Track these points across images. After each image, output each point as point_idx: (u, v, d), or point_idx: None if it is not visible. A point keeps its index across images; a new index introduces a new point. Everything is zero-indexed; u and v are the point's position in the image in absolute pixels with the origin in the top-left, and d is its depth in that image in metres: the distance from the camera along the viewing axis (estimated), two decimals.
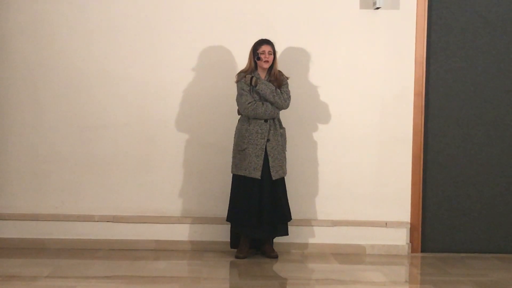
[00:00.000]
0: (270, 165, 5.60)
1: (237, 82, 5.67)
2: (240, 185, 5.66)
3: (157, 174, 6.03)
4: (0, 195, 6.00)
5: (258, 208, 5.60)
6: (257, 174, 5.58)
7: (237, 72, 5.73)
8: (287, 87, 5.67)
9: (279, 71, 5.69)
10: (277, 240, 5.92)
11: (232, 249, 5.86)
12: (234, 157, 5.71)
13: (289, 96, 5.65)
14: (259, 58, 5.59)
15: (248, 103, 5.58)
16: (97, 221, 6.00)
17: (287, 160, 5.87)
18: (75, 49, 6.00)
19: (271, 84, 5.61)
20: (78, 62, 6.00)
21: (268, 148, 5.61)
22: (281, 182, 5.69)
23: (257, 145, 5.59)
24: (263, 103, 5.59)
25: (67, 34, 5.99)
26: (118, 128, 6.02)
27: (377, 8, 5.98)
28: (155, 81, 6.02)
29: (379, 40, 6.05)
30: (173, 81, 6.02)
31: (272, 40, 5.70)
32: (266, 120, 5.62)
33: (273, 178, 5.61)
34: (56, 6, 5.97)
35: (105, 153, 6.02)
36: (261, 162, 5.59)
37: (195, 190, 6.05)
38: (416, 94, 6.06)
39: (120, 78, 6.01)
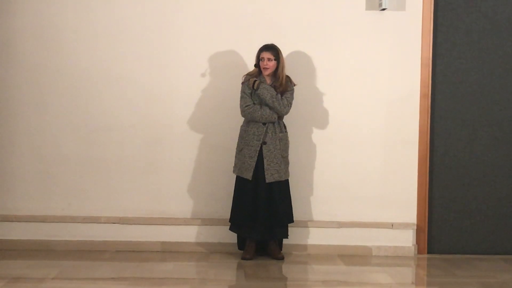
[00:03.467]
0: (264, 168, 5.62)
1: (242, 83, 5.69)
2: (238, 186, 5.73)
3: (163, 176, 6.04)
4: (6, 197, 6.02)
5: (253, 209, 5.63)
6: (249, 175, 5.61)
7: (245, 74, 5.74)
8: (291, 94, 5.68)
9: (287, 77, 5.69)
10: (283, 241, 5.91)
11: (239, 251, 5.86)
12: (235, 157, 5.76)
13: (290, 103, 5.65)
14: (257, 65, 5.63)
15: (246, 106, 5.62)
16: (104, 223, 6.01)
17: (293, 162, 5.87)
18: (81, 51, 6.01)
19: (272, 89, 5.62)
20: (83, 64, 6.01)
21: (264, 151, 5.63)
22: (279, 185, 5.68)
23: (252, 146, 5.62)
24: (261, 107, 5.62)
25: (72, 36, 6.00)
26: (124, 130, 6.03)
27: (383, 9, 5.98)
28: (161, 83, 6.03)
29: (385, 41, 6.05)
30: (179, 83, 6.03)
31: (277, 42, 5.71)
32: (264, 123, 5.64)
33: (267, 181, 5.62)
34: (61, 8, 5.98)
35: (111, 155, 6.03)
36: (253, 163, 5.61)
37: (201, 191, 6.06)
38: (422, 96, 6.06)
39: (126, 81, 6.02)
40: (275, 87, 5.64)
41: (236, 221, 5.71)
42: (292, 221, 5.78)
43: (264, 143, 5.63)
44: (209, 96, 6.04)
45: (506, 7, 6.12)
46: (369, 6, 6.04)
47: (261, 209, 5.63)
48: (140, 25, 6.01)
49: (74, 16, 5.99)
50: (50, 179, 6.02)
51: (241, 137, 5.71)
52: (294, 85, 5.73)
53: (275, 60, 5.62)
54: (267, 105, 5.62)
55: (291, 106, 5.68)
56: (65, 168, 6.02)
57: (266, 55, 5.62)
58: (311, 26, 6.03)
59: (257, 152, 5.62)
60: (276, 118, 5.67)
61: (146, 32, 6.01)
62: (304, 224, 6.02)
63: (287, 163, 5.76)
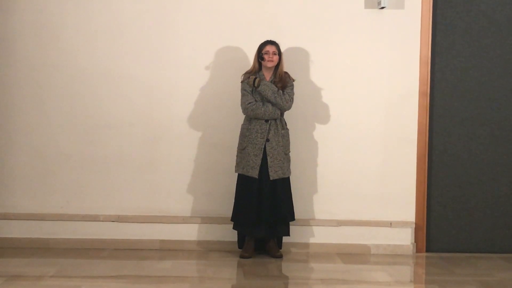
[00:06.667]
0: (268, 165, 5.62)
1: (242, 82, 5.69)
2: (241, 184, 5.71)
3: (162, 174, 6.04)
4: (5, 195, 6.02)
5: (257, 207, 5.62)
6: (255, 173, 5.60)
7: (243, 73, 5.74)
8: (292, 89, 5.68)
9: (286, 73, 5.70)
10: (282, 239, 5.91)
11: (239, 249, 5.87)
12: (237, 156, 5.75)
13: (291, 98, 5.66)
14: (262, 59, 5.61)
15: (248, 103, 5.61)
16: (102, 221, 6.01)
17: (292, 160, 5.87)
18: (80, 49, 6.00)
19: (274, 85, 5.62)
20: (82, 62, 6.01)
21: (267, 148, 5.62)
22: (282, 183, 5.69)
23: (256, 144, 5.61)
24: (263, 104, 5.61)
25: (71, 34, 6.00)
26: (123, 128, 6.02)
27: (382, 7, 5.98)
28: (160, 81, 6.03)
29: (384, 39, 6.05)
30: (178, 81, 6.03)
31: (277, 40, 5.71)
32: (267, 120, 5.64)
33: (271, 178, 5.62)
34: (60, 6, 5.98)
35: (110, 153, 6.03)
36: (259, 161, 5.60)
37: (200, 190, 6.06)
38: (421, 94, 6.06)
39: (125, 78, 6.02)
40: (274, 83, 5.65)
41: (241, 220, 5.70)
42: (293, 219, 5.77)
43: (267, 140, 5.63)
44: (209, 94, 6.04)
45: (505, 5, 6.12)
46: (368, 5, 6.04)
47: (265, 207, 5.62)
48: (140, 23, 6.01)
49: (73, 14, 5.99)
50: (49, 177, 6.02)
51: (243, 135, 5.70)
52: (293, 80, 5.73)
53: (278, 54, 5.64)
54: (269, 101, 5.62)
55: (293, 101, 5.68)
56: (64, 166, 6.02)
57: (271, 48, 5.62)
58: (310, 24, 6.03)
59: (262, 149, 5.62)
60: (279, 114, 5.67)
61: (145, 30, 6.01)
62: (303, 222, 6.02)
63: (289, 160, 5.75)
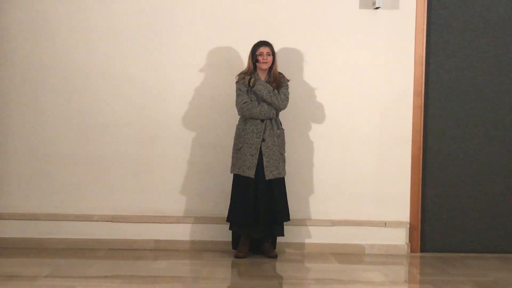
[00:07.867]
0: (264, 165, 5.61)
1: (237, 82, 5.69)
2: (238, 184, 5.70)
3: (157, 174, 6.04)
4: (0, 195, 6.00)
5: (254, 207, 5.62)
6: (251, 173, 5.60)
7: (238, 73, 5.74)
8: (287, 89, 5.69)
9: (280, 73, 5.71)
10: (277, 239, 5.91)
11: (233, 250, 5.86)
12: (232, 156, 5.75)
13: (287, 97, 5.66)
14: (257, 61, 5.62)
15: (244, 103, 5.61)
16: (97, 221, 6.00)
17: (287, 160, 5.87)
18: (76, 48, 6.00)
19: (269, 85, 5.63)
20: (79, 61, 6.00)
21: (263, 148, 5.62)
22: (277, 183, 5.69)
23: (252, 144, 5.61)
24: (259, 103, 5.62)
25: (68, 33, 5.99)
26: (119, 128, 6.02)
27: (377, 8, 5.98)
28: (156, 81, 6.02)
29: (379, 40, 6.05)
30: (174, 81, 6.03)
31: (272, 40, 5.72)
32: (262, 120, 5.64)
33: (266, 178, 5.62)
34: (57, 5, 5.97)
35: (105, 153, 6.02)
36: (255, 161, 5.60)
37: (195, 190, 6.06)
38: (415, 94, 6.07)
39: (121, 78, 6.01)
40: (269, 83, 5.65)
41: (237, 220, 5.69)
42: (288, 219, 5.77)
43: (263, 140, 5.63)
44: (204, 94, 6.04)
45: (500, 5, 6.13)
46: (363, 5, 6.04)
47: (261, 207, 5.62)
48: (136, 23, 6.00)
49: (69, 13, 5.98)
50: (44, 177, 6.01)
51: (239, 135, 5.69)
52: (288, 80, 5.73)
53: (272, 55, 5.64)
54: (264, 101, 5.62)
55: (288, 100, 5.68)
56: (59, 166, 6.01)
57: (266, 49, 5.63)
58: (306, 25, 6.03)
59: (258, 149, 5.62)
60: (274, 114, 5.67)
61: (142, 29, 6.00)
62: (298, 222, 6.02)
63: (284, 160, 5.75)
